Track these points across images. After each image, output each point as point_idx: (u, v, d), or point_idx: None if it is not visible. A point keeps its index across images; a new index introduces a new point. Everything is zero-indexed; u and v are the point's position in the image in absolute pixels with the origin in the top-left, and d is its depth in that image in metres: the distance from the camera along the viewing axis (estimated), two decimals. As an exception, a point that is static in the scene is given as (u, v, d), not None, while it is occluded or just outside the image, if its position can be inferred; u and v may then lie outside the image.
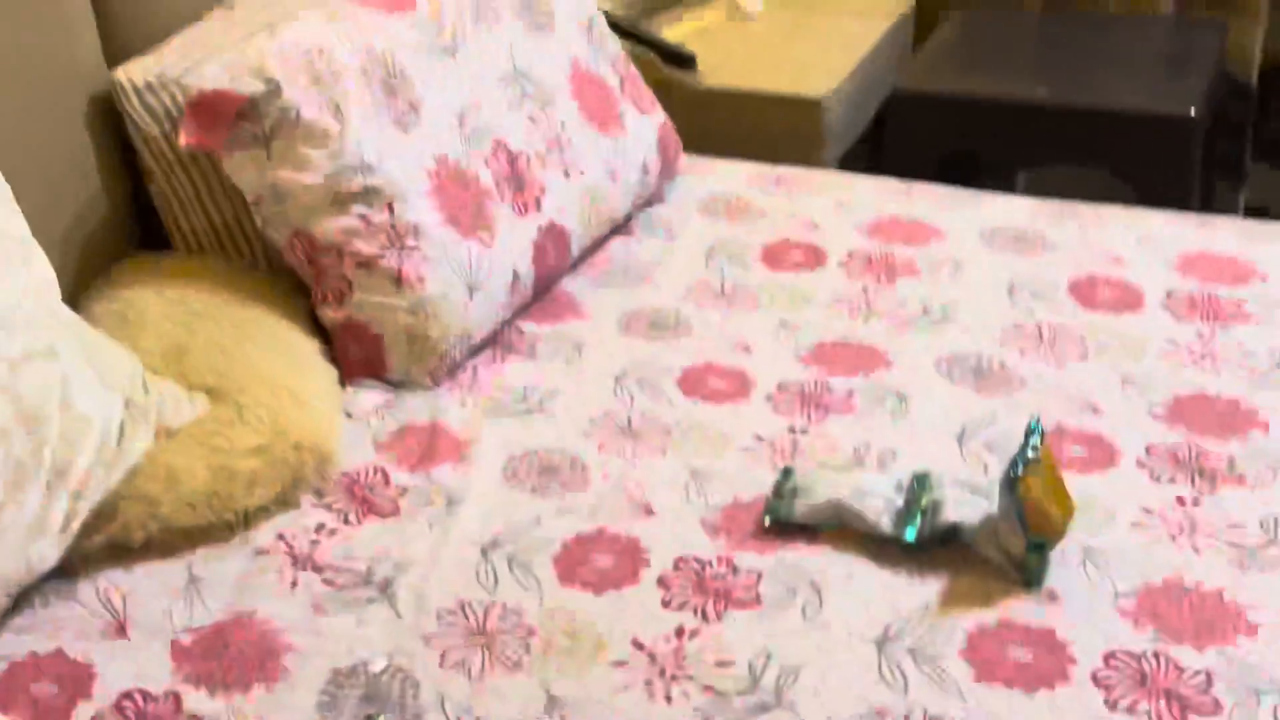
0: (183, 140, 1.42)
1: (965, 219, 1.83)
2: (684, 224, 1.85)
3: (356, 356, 1.49)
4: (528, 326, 1.62)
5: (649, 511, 1.29)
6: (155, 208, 1.55)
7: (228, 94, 1.41)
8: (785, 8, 2.67)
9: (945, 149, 2.32)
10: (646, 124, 1.87)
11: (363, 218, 1.46)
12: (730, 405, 1.45)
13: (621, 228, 1.84)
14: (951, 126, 2.34)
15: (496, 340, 1.59)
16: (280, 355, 1.40)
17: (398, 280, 1.47)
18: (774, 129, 2.31)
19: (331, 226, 1.46)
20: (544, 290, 1.68)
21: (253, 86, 1.42)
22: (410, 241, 1.48)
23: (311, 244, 1.47)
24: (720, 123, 2.31)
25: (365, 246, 1.46)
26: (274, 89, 1.42)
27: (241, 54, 1.45)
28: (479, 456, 1.38)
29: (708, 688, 1.08)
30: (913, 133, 2.35)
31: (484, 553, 1.24)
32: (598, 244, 1.79)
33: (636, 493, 1.31)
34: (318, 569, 1.23)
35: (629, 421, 1.43)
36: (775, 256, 1.76)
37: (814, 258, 1.75)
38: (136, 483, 1.24)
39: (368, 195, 1.46)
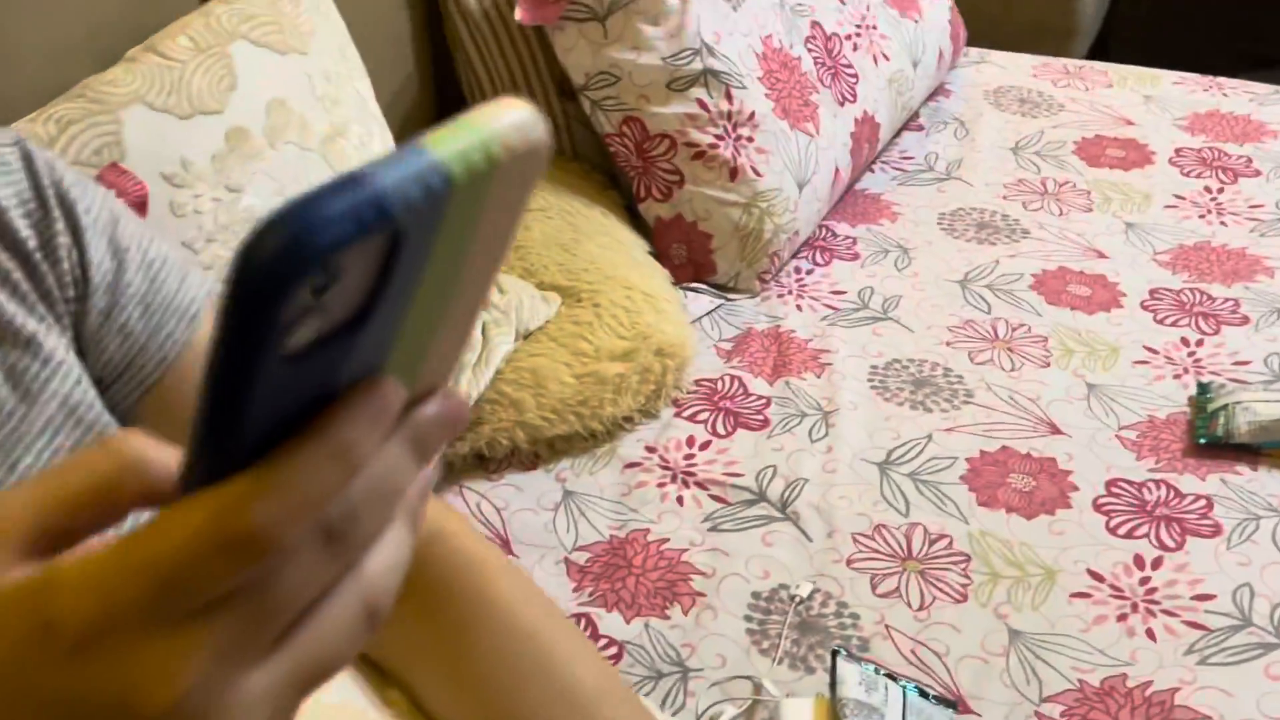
0: (518, 14, 1.30)
1: (1289, 115, 1.69)
2: (977, 118, 1.72)
3: (683, 256, 1.38)
4: (840, 227, 1.51)
5: (1055, 429, 1.18)
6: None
7: (564, -36, 1.30)
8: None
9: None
10: (939, 6, 1.73)
11: (701, 103, 1.34)
12: (1104, 314, 1.33)
13: (910, 121, 1.71)
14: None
15: (812, 242, 1.48)
16: (619, 254, 1.29)
17: (733, 173, 1.35)
18: (1021, 21, 2.16)
19: (667, 113, 1.34)
20: (851, 185, 1.56)
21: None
22: (745, 131, 1.36)
23: (644, 131, 1.35)
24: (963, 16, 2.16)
25: (701, 135, 1.35)
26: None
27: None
28: (838, 365, 1.27)
29: (1192, 623, 0.98)
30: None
31: (883, 471, 1.14)
32: (891, 139, 1.66)
33: (1032, 408, 1.20)
34: (700, 485, 1.13)
35: (995, 331, 1.31)
36: (1092, 153, 1.63)
37: (1139, 155, 1.62)
38: (501, 388, 1.14)
39: (707, 79, 1.34)
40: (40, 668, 0.29)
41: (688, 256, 1.38)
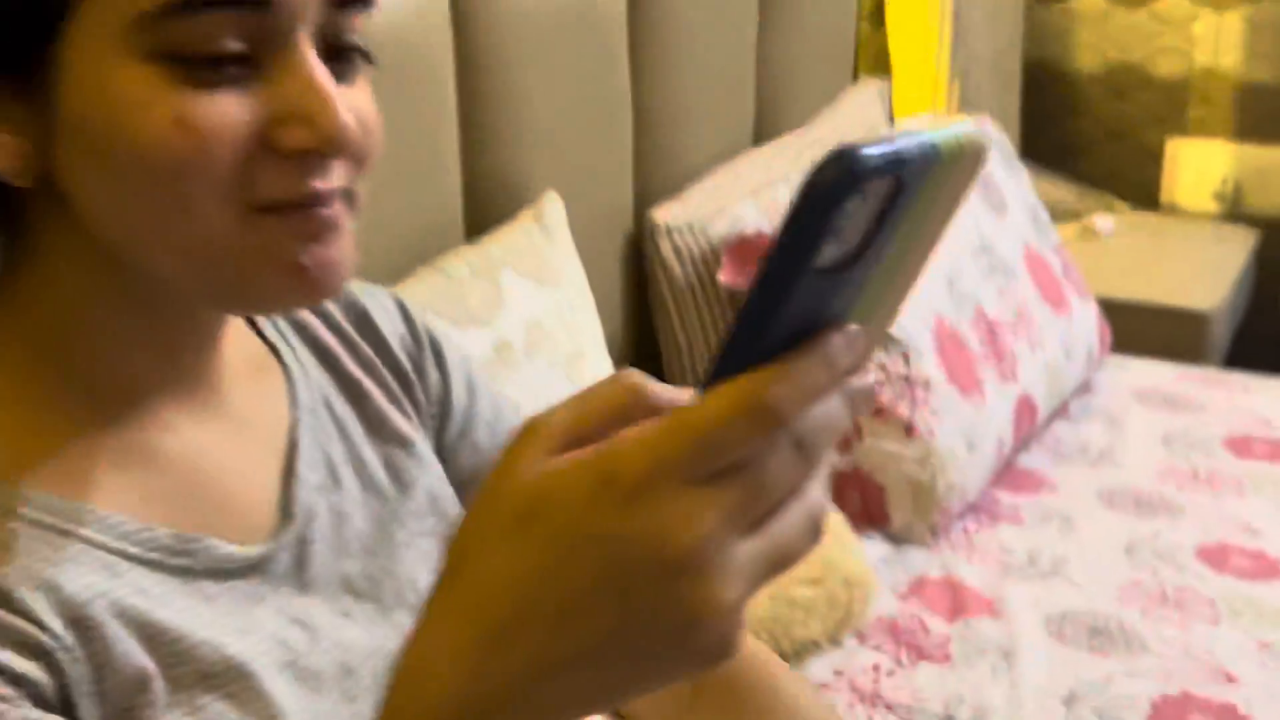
0: (723, 278, 1.46)
1: None
2: (1124, 411, 1.83)
3: (856, 505, 1.48)
4: (1003, 495, 1.59)
5: (1230, 678, 1.22)
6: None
7: (767, 237, 1.46)
8: (1135, 229, 2.69)
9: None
10: (1086, 309, 1.87)
11: (881, 365, 1.47)
12: (1266, 582, 1.39)
13: (1059, 411, 1.82)
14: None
15: (978, 505, 1.56)
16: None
17: (909, 430, 1.46)
18: (1151, 341, 2.29)
19: (852, 371, 1.46)
20: (1011, 460, 1.65)
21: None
22: (921, 393, 1.48)
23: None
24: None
25: (880, 394, 1.47)
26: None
27: (775, 200, 1.50)
28: (1014, 613, 1.33)
29: None
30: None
31: (1066, 705, 1.18)
32: (1045, 423, 1.77)
33: (1208, 658, 1.25)
34: (890, 707, 1.18)
35: (1163, 591, 1.37)
36: (1240, 447, 1.72)
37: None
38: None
39: (887, 346, 1.48)
40: (600, 512, 0.39)
41: (862, 506, 1.47)
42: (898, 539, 1.47)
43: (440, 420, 0.78)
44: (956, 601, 1.35)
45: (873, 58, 2.25)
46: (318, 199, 0.56)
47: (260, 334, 0.72)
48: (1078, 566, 1.42)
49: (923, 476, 1.46)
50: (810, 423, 0.39)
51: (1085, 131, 2.91)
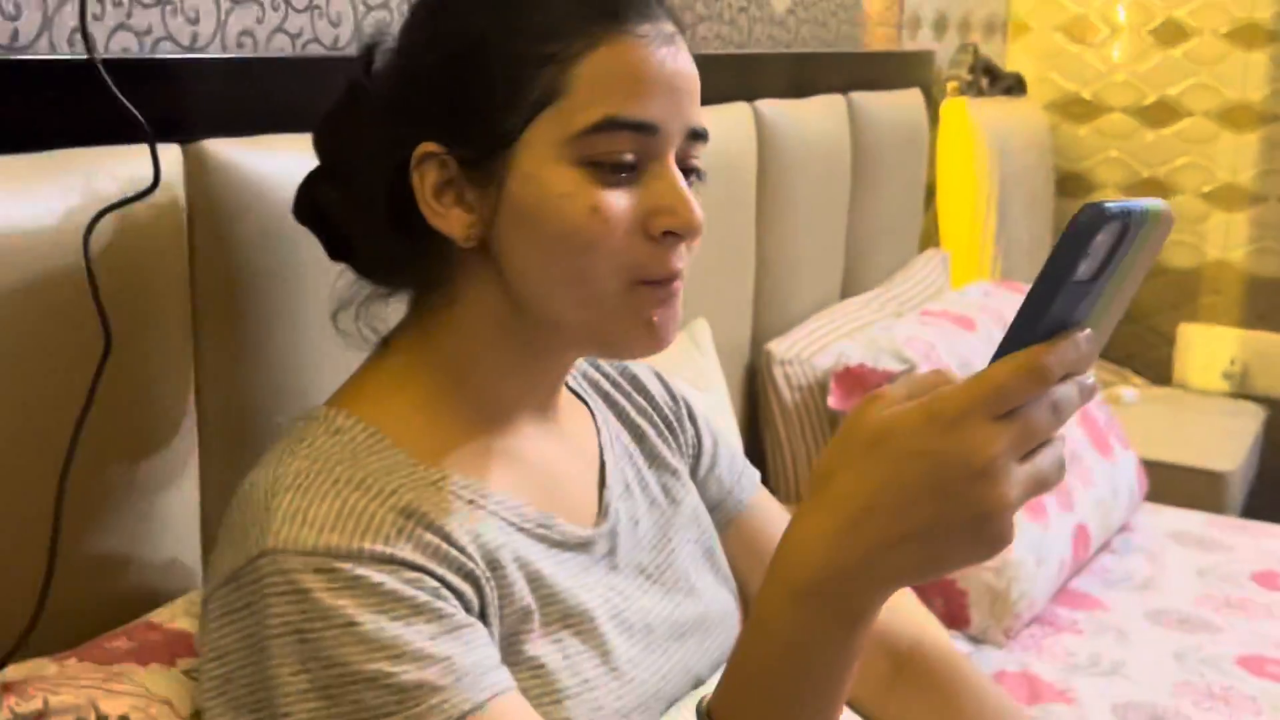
0: (833, 403, 1.69)
1: None
2: (1162, 549, 2.04)
3: (940, 608, 1.68)
4: (1061, 610, 1.80)
5: (1280, 756, 1.41)
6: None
7: (872, 369, 1.70)
8: (1156, 401, 2.94)
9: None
10: (1128, 456, 2.10)
11: (965, 484, 1.69)
12: (1301, 685, 1.59)
13: (1105, 546, 2.03)
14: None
15: (1042, 617, 1.77)
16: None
17: (987, 542, 1.68)
18: (1178, 495, 2.51)
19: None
20: (1067, 583, 1.86)
21: (893, 364, 1.71)
22: (997, 511, 1.69)
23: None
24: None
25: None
26: (910, 367, 1.71)
27: (877, 338, 1.75)
28: (1085, 700, 1.52)
29: None
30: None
31: (1139, 769, 1.37)
32: (1095, 555, 1.98)
33: (1259, 741, 1.44)
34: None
35: (1210, 689, 1.57)
36: (1266, 579, 1.93)
37: (1307, 591, 1.92)
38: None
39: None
40: (928, 436, 0.61)
41: (945, 609, 1.67)
42: (976, 639, 1.67)
43: (694, 459, 1.01)
44: (1033, 691, 1.55)
45: (933, 233, 2.54)
46: (675, 276, 0.80)
47: (569, 388, 0.95)
48: (1135, 668, 1.62)
49: (999, 584, 1.67)
50: (1060, 393, 0.61)
51: (1105, 314, 3.18)
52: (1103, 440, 2.05)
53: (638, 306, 0.80)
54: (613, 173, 0.78)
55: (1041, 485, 0.61)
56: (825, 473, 0.64)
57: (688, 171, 0.83)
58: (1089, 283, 0.60)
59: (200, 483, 0.97)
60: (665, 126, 0.79)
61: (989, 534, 0.60)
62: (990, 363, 0.61)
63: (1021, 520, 1.72)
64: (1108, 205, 0.57)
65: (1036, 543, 1.73)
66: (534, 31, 0.78)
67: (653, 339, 0.81)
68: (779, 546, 0.66)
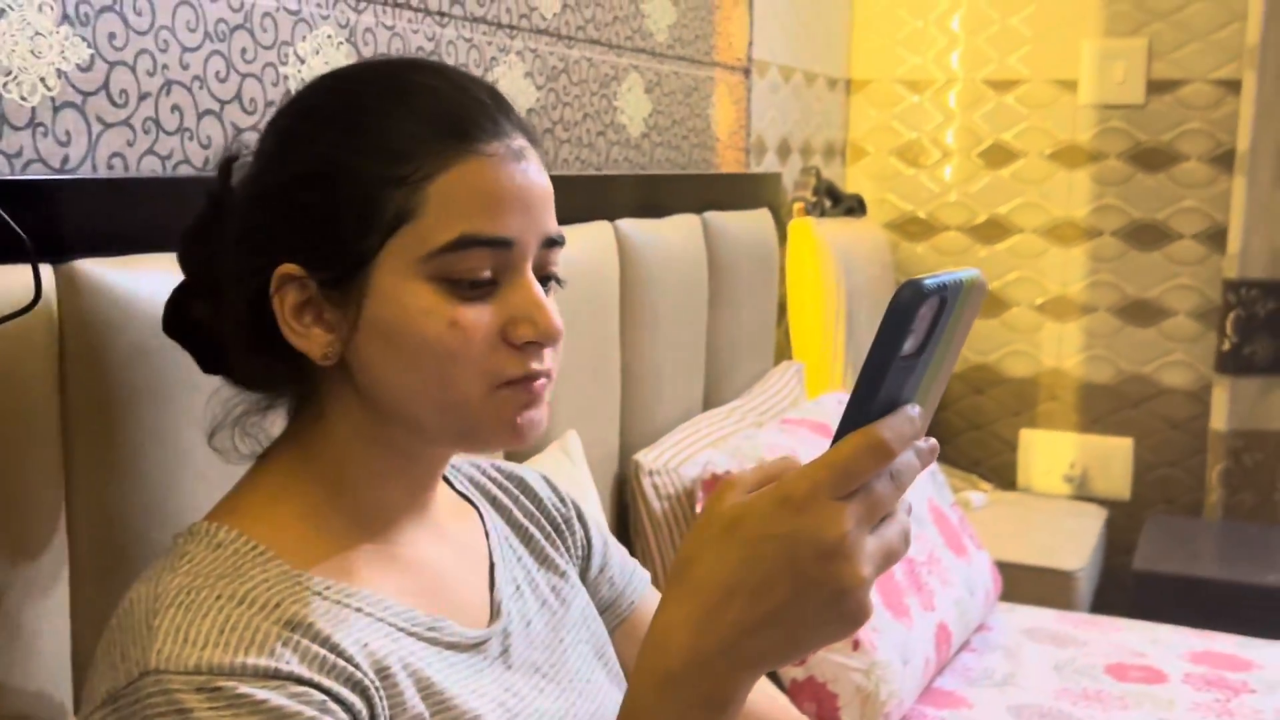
0: (699, 507, 1.71)
1: (1272, 655, 2.08)
2: (1019, 646, 2.10)
3: (813, 711, 1.70)
4: (929, 710, 1.83)
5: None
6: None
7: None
8: (1003, 504, 3.05)
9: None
10: (982, 557, 2.17)
11: (831, 587, 1.73)
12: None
13: (964, 645, 2.08)
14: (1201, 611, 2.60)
15: (909, 717, 1.80)
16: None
17: (855, 644, 1.71)
18: (1028, 593, 2.60)
19: (806, 592, 1.72)
20: (931, 682, 1.90)
21: (756, 470, 1.75)
22: (863, 612, 1.73)
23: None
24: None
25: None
26: (773, 473, 1.75)
27: (741, 447, 1.78)
28: (955, 794, 1.55)
29: None
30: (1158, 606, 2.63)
31: None
32: (955, 653, 2.03)
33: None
34: None
35: (1074, 776, 1.61)
36: (1119, 672, 2.00)
37: (1154, 675, 1.99)
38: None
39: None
40: (779, 519, 0.64)
41: (817, 711, 1.69)
42: (848, 741, 1.69)
43: (584, 560, 1.02)
44: (906, 787, 1.57)
45: (787, 346, 2.62)
46: (535, 376, 0.82)
47: (454, 489, 0.96)
48: (1001, 761, 1.66)
49: (868, 685, 1.70)
50: (900, 464, 0.65)
51: (949, 422, 3.30)
52: (957, 541, 2.11)
53: (499, 408, 0.82)
54: (470, 288, 0.80)
55: (890, 557, 0.65)
56: (685, 560, 0.67)
57: (546, 278, 0.85)
58: (914, 356, 0.63)
59: (71, 605, 0.94)
60: (520, 239, 0.81)
61: (846, 610, 0.63)
62: (832, 444, 0.64)
63: (886, 620, 1.76)
64: (925, 281, 0.60)
65: (901, 642, 1.77)
66: (382, 154, 0.79)
67: (517, 438, 0.83)
68: (645, 637, 0.68)
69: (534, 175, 0.83)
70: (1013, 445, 3.27)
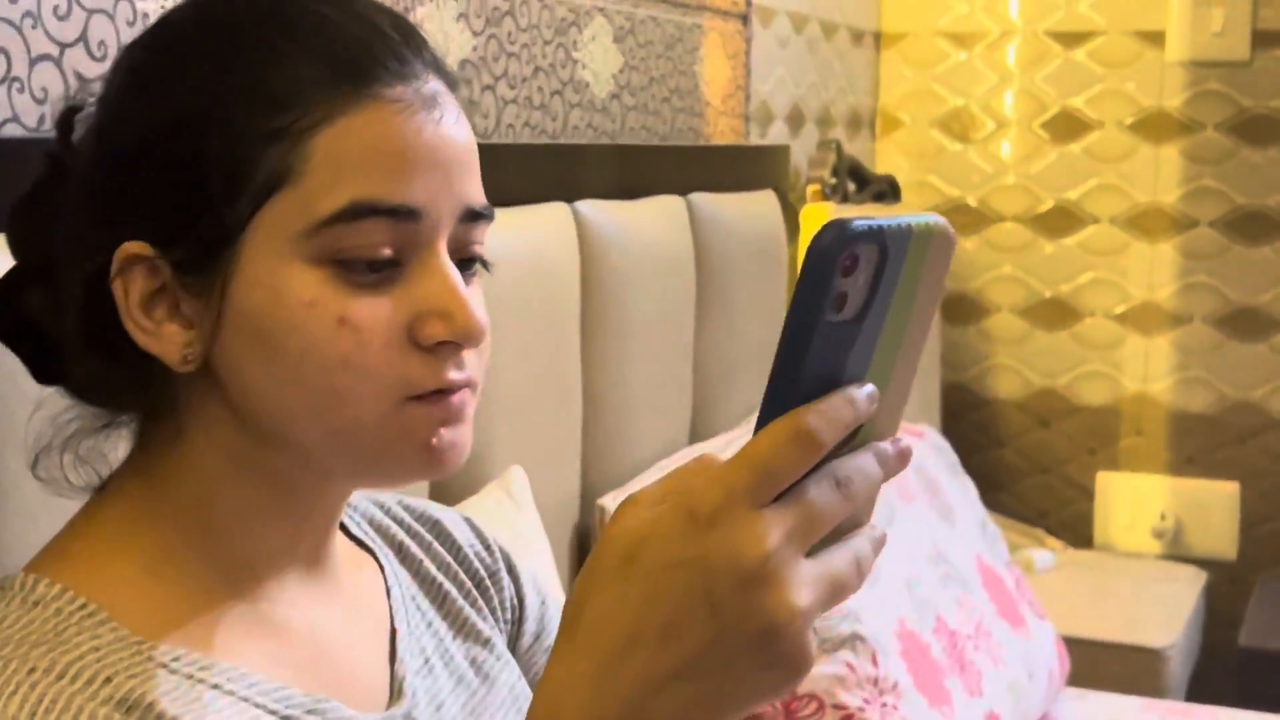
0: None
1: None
2: (1091, 746, 2.09)
3: (828, 822, 1.68)
4: (974, 821, 1.82)
5: None
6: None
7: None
8: (1075, 566, 3.03)
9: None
10: (1045, 630, 2.16)
11: (849, 666, 1.71)
12: None
13: (1024, 741, 2.07)
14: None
15: (950, 831, 1.78)
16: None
17: (880, 739, 1.69)
18: (1105, 679, 2.58)
19: (817, 672, 1.70)
20: (979, 788, 1.88)
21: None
22: (889, 699, 1.72)
23: (791, 692, 1.71)
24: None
25: (849, 697, 1.70)
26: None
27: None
28: None
29: None
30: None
31: None
32: (1011, 754, 2.01)
33: None
34: None
35: None
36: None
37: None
38: None
39: (853, 642, 1.72)
40: (685, 540, 0.61)
41: (833, 824, 1.68)
42: None
43: (515, 625, 1.00)
44: None
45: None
46: (453, 387, 0.81)
47: (350, 535, 0.94)
48: None
49: (897, 790, 1.68)
50: (846, 467, 0.62)
51: (1009, 463, 3.29)
52: (1013, 610, 2.10)
53: (409, 428, 0.79)
54: (366, 272, 0.78)
55: (836, 589, 0.61)
56: (576, 603, 0.64)
57: (468, 261, 0.84)
58: (853, 323, 0.60)
59: None
60: (430, 209, 0.79)
61: (779, 653, 0.60)
62: (754, 434, 0.61)
63: (920, 708, 1.75)
64: (854, 223, 0.57)
65: (938, 737, 1.75)
66: (257, 99, 0.77)
67: (434, 463, 0.81)
68: (532, 701, 0.65)
69: (449, 128, 0.81)
70: (1088, 492, 3.26)
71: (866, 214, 0.60)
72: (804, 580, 0.60)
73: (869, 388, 0.62)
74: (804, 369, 0.59)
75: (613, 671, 0.62)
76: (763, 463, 0.60)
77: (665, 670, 0.61)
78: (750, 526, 0.59)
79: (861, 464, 0.62)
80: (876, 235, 0.58)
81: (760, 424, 0.61)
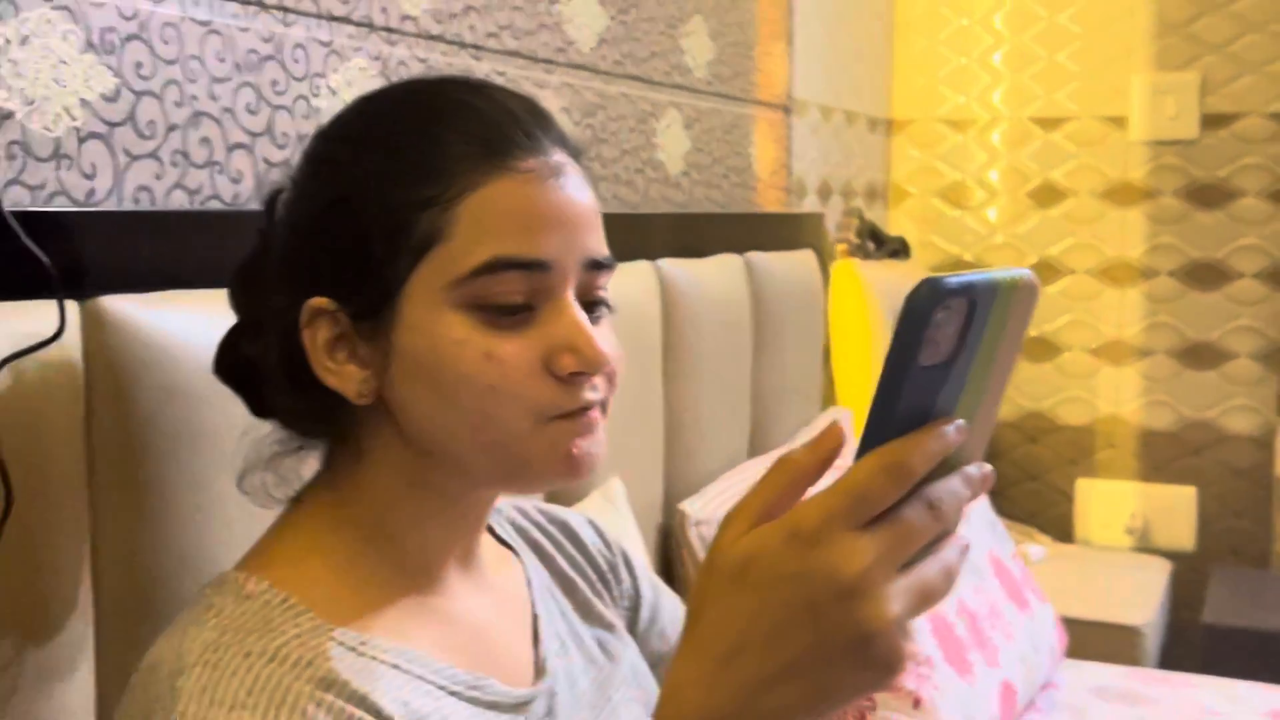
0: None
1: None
2: (1087, 705, 2.04)
3: (873, 775, 1.64)
4: (994, 773, 1.77)
5: None
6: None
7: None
8: (1062, 558, 2.98)
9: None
10: (1046, 610, 2.11)
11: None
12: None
13: (1030, 705, 2.02)
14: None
15: (974, 780, 1.74)
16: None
17: (916, 703, 1.65)
18: (1093, 651, 2.52)
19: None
20: (996, 744, 1.84)
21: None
22: (926, 670, 1.68)
23: (888, 688, 1.67)
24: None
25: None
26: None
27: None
28: None
29: None
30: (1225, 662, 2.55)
31: None
32: (1020, 714, 1.96)
33: None
34: None
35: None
36: (1194, 732, 1.93)
37: (1233, 734, 1.92)
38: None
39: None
40: (789, 557, 0.57)
41: (878, 776, 1.64)
42: (911, 806, 1.63)
43: (633, 611, 0.98)
44: None
45: (831, 392, 2.58)
46: (588, 406, 0.78)
47: (495, 535, 0.92)
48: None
49: (931, 746, 1.64)
50: (937, 490, 0.58)
51: (1003, 473, 3.24)
52: (1020, 594, 2.05)
53: (554, 440, 0.78)
54: (505, 315, 0.77)
55: (927, 596, 0.58)
56: (694, 611, 0.61)
57: (594, 304, 0.82)
58: (944, 366, 0.57)
59: (96, 663, 0.91)
60: (558, 262, 0.77)
61: (874, 657, 0.56)
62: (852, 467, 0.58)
63: (949, 677, 1.71)
64: (946, 281, 0.54)
65: (965, 701, 1.71)
66: (412, 174, 0.77)
67: (573, 471, 0.79)
68: (659, 696, 0.63)
69: (573, 192, 0.79)
70: (1069, 496, 3.20)
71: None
72: (896, 592, 0.56)
73: (958, 422, 0.58)
74: (897, 408, 0.56)
75: (725, 671, 0.59)
76: (858, 490, 0.56)
77: (772, 671, 0.58)
78: (847, 545, 0.56)
79: (952, 487, 0.58)
80: (966, 290, 0.55)
81: (860, 454, 0.57)
